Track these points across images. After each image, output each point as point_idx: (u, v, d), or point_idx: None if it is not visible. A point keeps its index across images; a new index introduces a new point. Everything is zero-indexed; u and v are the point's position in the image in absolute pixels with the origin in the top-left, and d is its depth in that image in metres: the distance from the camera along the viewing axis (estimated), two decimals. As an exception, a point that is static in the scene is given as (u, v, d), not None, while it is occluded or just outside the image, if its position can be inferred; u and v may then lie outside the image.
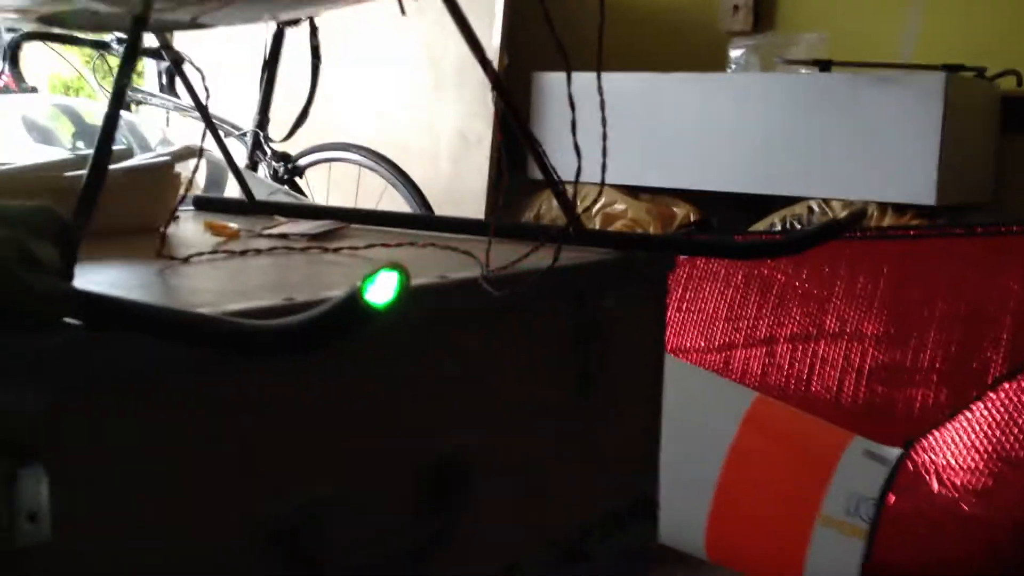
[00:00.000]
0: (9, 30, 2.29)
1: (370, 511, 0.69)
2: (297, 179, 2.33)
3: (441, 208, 2.41)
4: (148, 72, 2.75)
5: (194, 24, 0.88)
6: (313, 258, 0.84)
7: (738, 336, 2.23)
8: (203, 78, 0.96)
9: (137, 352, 0.55)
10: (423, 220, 1.10)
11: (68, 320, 0.54)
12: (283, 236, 0.94)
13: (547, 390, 0.87)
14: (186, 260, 0.78)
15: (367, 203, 2.43)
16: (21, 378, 0.50)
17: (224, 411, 0.60)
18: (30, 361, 0.50)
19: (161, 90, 2.37)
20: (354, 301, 0.46)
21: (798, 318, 2.17)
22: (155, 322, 0.53)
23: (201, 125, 1.15)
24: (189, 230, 0.94)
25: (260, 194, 1.93)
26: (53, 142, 2.23)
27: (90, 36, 2.30)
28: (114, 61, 2.42)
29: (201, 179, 2.12)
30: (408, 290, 0.46)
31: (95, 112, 2.29)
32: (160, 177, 0.91)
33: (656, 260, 0.94)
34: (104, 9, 0.84)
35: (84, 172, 0.89)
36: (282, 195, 2.03)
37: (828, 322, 2.15)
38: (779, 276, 2.28)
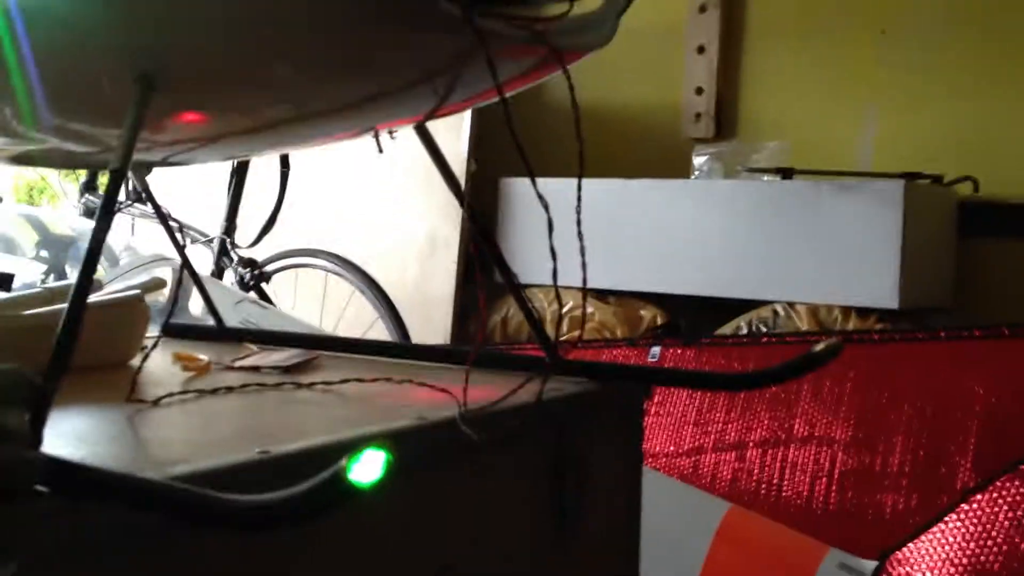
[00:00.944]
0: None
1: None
2: (264, 285, 2.32)
3: (408, 311, 2.40)
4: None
5: (165, 163, 0.88)
6: (286, 396, 0.82)
7: (707, 440, 2.22)
8: (180, 228, 0.95)
9: (109, 520, 0.53)
10: (398, 348, 1.09)
11: (38, 488, 0.52)
12: (255, 369, 0.92)
13: (524, 526, 0.85)
14: (156, 403, 0.76)
15: (334, 308, 2.42)
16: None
17: (199, 571, 0.58)
18: (-5, 538, 0.48)
19: (126, 198, 2.36)
20: (338, 480, 0.45)
21: (767, 422, 2.17)
22: (129, 492, 0.51)
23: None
24: (158, 363, 0.92)
25: (226, 303, 1.92)
26: (16, 251, 2.21)
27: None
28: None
29: (167, 289, 2.10)
30: (394, 469, 0.45)
31: (59, 221, 2.28)
32: (130, 311, 0.90)
33: (634, 390, 0.94)
34: (79, 150, 0.84)
35: (45, 310, 0.87)
36: (248, 303, 2.02)
37: (797, 426, 2.15)
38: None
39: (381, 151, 0.84)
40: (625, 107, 2.82)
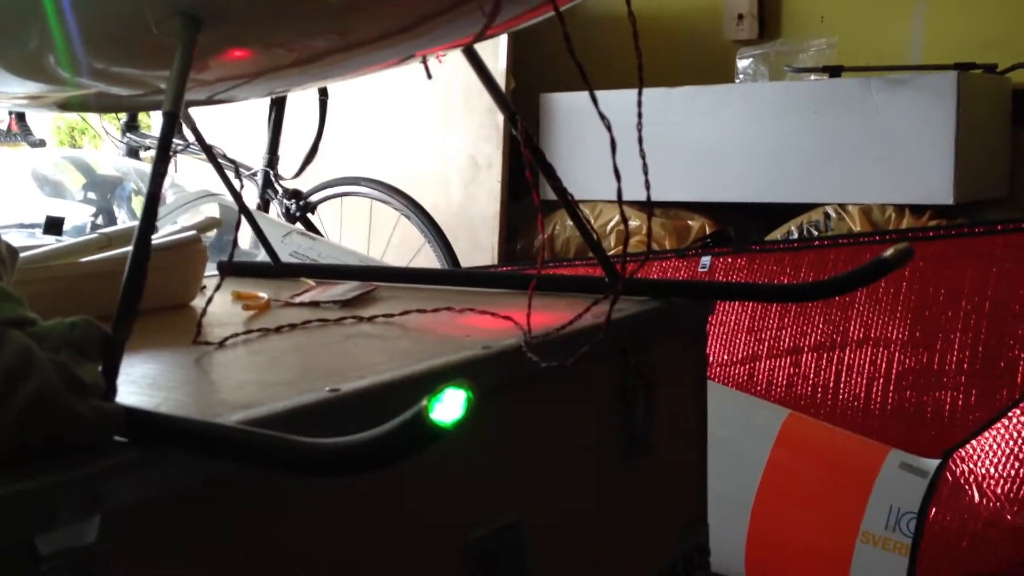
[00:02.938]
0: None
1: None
2: (309, 215, 2.32)
3: (454, 232, 2.39)
4: (155, 116, 2.75)
5: (210, 101, 0.86)
6: (349, 331, 0.82)
7: (761, 347, 2.21)
8: (234, 167, 0.94)
9: (186, 466, 0.53)
10: (456, 276, 1.09)
11: (116, 439, 0.53)
12: (314, 304, 0.92)
13: (594, 450, 0.85)
14: (222, 344, 0.76)
15: (381, 234, 2.42)
16: (74, 512, 0.48)
17: (276, 516, 0.59)
18: (82, 493, 0.49)
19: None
20: (420, 420, 0.44)
21: (821, 326, 2.15)
22: (209, 440, 0.51)
23: (210, 166, 1.13)
24: (217, 302, 0.92)
25: (275, 235, 1.92)
26: (64, 194, 2.23)
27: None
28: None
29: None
30: (475, 407, 0.45)
31: (103, 162, 2.29)
32: (188, 253, 0.90)
33: (697, 307, 0.93)
34: (125, 93, 0.83)
35: (103, 256, 0.87)
36: (296, 235, 2.02)
37: (852, 329, 2.13)
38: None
39: (430, 76, 0.81)
40: (663, 12, 2.75)
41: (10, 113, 2.49)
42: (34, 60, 0.76)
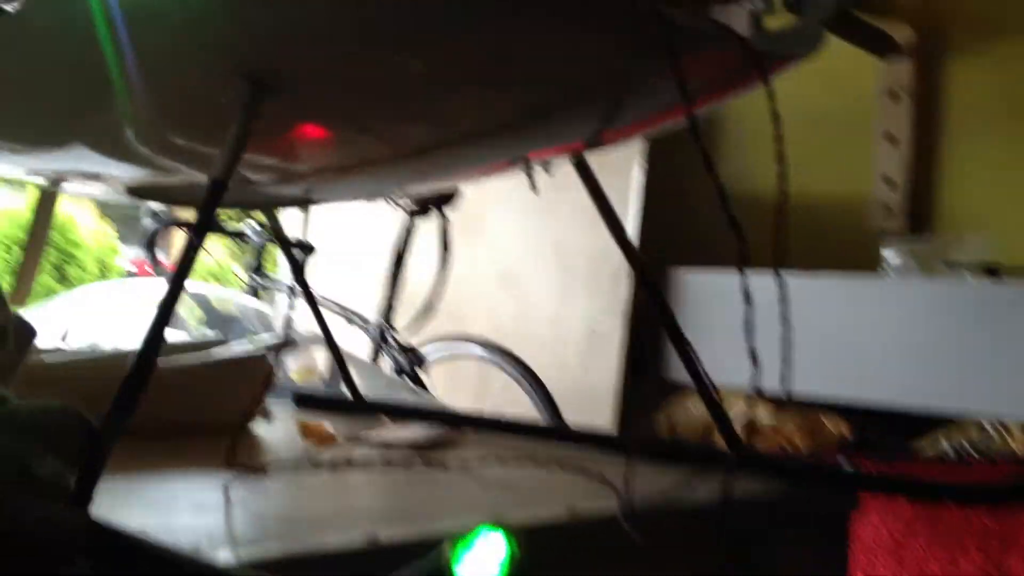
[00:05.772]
0: (152, 215, 2.32)
1: None
2: (421, 372, 2.23)
3: (568, 407, 2.24)
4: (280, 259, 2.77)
5: (308, 200, 0.78)
6: (413, 476, 0.69)
7: (903, 572, 1.96)
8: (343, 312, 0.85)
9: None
10: (548, 431, 0.95)
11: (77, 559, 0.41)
12: (385, 444, 0.80)
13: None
14: (262, 471, 0.64)
15: (491, 398, 2.30)
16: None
17: None
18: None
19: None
20: (438, 573, 0.31)
21: (975, 557, 1.90)
22: (170, 570, 0.38)
23: (328, 310, 1.07)
24: (279, 431, 0.81)
25: (378, 386, 1.83)
26: (181, 327, 2.21)
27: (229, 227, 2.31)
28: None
29: (323, 366, 2.04)
30: (518, 561, 0.31)
31: (225, 299, 2.28)
32: (246, 370, 0.79)
33: (836, 498, 0.76)
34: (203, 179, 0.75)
35: (111, 352, 0.78)
36: (401, 387, 1.92)
37: (1013, 564, 1.86)
38: (950, 506, 2.01)
39: (534, 187, 0.71)
40: (805, 193, 2.63)
41: (148, 248, 2.53)
42: (112, 130, 0.69)
